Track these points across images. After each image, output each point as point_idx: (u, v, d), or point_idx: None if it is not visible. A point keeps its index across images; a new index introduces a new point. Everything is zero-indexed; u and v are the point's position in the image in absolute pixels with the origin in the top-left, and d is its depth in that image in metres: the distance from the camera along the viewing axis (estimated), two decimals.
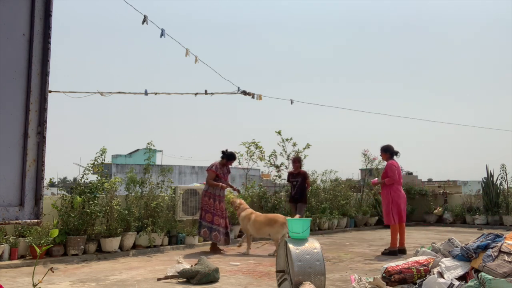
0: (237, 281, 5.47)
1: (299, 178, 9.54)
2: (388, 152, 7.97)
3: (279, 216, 7.92)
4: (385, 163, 8.03)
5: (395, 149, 7.99)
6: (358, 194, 13.28)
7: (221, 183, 8.13)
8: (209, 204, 8.10)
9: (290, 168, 11.16)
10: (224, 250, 8.19)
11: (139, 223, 8.20)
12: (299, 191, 9.52)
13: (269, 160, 11.01)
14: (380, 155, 8.21)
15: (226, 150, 8.35)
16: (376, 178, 8.19)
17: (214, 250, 8.13)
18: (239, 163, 11.28)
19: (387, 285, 4.47)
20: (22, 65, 1.49)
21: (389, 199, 7.70)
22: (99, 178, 8.11)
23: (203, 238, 8.51)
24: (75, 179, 14.04)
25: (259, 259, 7.23)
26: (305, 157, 11.11)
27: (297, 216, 9.37)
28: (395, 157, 7.98)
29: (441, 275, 4.23)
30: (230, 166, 8.59)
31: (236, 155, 8.63)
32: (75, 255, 7.18)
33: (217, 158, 8.38)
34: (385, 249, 7.71)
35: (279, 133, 10.97)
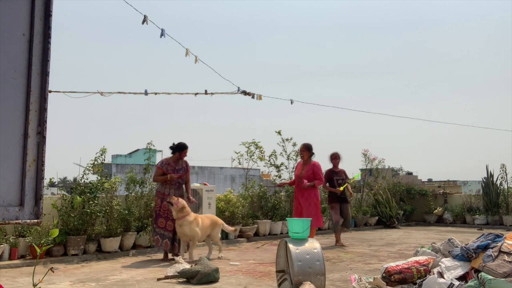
0: (237, 281, 5.47)
1: (343, 176, 8.91)
2: (311, 151, 7.66)
3: (215, 216, 7.73)
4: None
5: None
6: (358, 194, 13.28)
7: (169, 174, 7.26)
8: (158, 206, 7.29)
9: (290, 168, 11.17)
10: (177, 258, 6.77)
11: (139, 223, 8.20)
12: (345, 190, 8.86)
13: (269, 160, 11.00)
14: (302, 152, 7.74)
15: (173, 144, 7.47)
16: (306, 181, 7.47)
17: (165, 258, 7.27)
18: (239, 163, 11.28)
19: (387, 285, 4.47)
20: (22, 65, 1.49)
21: (315, 201, 7.42)
22: (99, 178, 8.11)
23: (155, 246, 7.59)
24: (75, 179, 14.05)
25: (259, 259, 7.23)
26: None
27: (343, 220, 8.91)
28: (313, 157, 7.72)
29: (441, 275, 4.23)
30: (190, 165, 7.73)
31: (186, 144, 7.48)
32: (75, 255, 7.18)
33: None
34: None
35: (279, 133, 10.96)
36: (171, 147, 7.49)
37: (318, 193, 7.53)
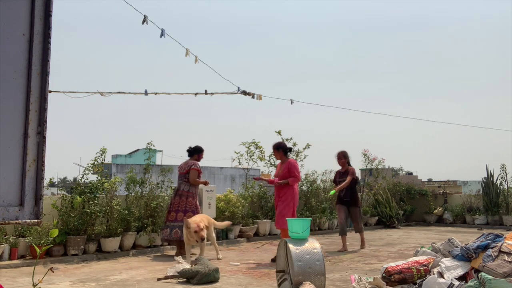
0: (237, 281, 5.47)
1: (345, 177, 8.41)
2: (281, 149, 7.34)
3: (207, 215, 7.67)
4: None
5: (291, 145, 7.41)
6: (358, 194, 13.27)
7: (205, 180, 7.99)
8: (194, 205, 7.70)
9: None
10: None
11: (139, 223, 8.20)
12: (349, 192, 8.43)
13: (269, 160, 10.99)
14: (273, 154, 7.49)
15: (190, 147, 8.03)
16: (276, 178, 7.17)
17: (179, 252, 7.57)
18: (239, 163, 11.26)
19: (387, 285, 4.47)
20: (22, 65, 1.49)
21: (291, 201, 7.07)
22: (99, 178, 8.10)
23: (171, 237, 7.65)
24: (75, 179, 14.05)
25: (259, 259, 7.23)
26: (305, 157, 11.12)
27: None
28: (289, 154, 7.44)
29: (441, 275, 4.23)
30: None
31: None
32: (75, 255, 7.18)
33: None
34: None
35: (279, 133, 10.95)
36: (189, 150, 8.02)
37: (296, 192, 7.15)
